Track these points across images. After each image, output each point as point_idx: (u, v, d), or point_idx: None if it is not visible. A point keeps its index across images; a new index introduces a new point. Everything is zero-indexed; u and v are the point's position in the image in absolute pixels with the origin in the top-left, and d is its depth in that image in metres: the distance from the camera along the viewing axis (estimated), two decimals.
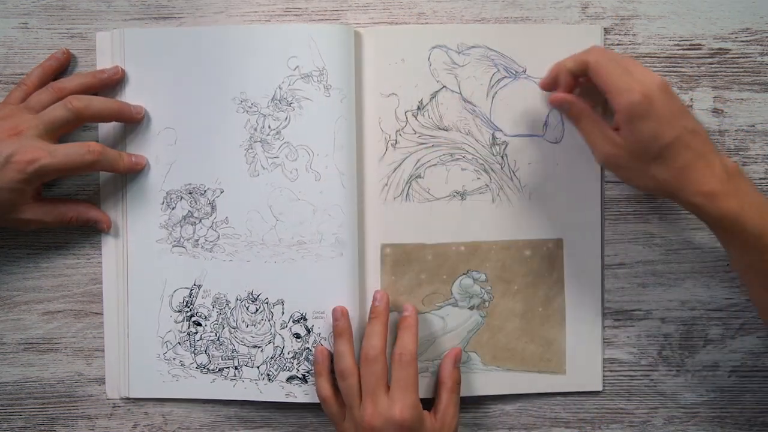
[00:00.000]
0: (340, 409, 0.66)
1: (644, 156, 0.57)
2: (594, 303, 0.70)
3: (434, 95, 0.68)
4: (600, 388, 0.70)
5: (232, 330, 0.69)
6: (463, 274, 0.69)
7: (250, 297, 0.68)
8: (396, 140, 0.69)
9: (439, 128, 0.69)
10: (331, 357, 0.67)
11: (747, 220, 0.57)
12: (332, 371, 0.67)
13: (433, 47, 0.68)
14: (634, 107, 0.56)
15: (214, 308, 0.69)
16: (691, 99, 0.69)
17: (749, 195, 0.58)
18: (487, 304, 0.69)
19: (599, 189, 0.69)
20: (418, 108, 0.68)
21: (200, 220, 0.68)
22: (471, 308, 0.69)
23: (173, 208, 0.69)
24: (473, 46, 0.68)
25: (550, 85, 0.64)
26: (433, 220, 0.69)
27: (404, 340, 0.65)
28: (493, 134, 0.69)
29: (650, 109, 0.56)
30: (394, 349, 0.65)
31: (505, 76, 0.68)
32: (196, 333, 0.69)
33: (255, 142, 0.67)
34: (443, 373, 0.68)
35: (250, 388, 0.69)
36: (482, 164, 0.69)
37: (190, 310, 0.69)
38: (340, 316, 0.66)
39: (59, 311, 0.71)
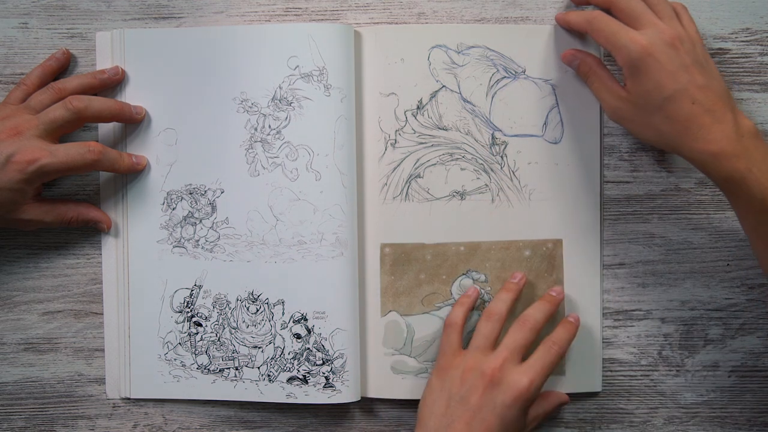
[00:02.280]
0: (459, 343, 0.66)
1: (647, 107, 0.59)
2: (593, 303, 0.69)
3: (434, 95, 0.68)
4: (599, 389, 0.70)
5: (233, 330, 0.69)
6: (463, 274, 0.69)
7: (251, 297, 0.68)
8: (395, 140, 0.69)
9: (439, 128, 0.69)
10: (476, 302, 0.68)
11: (753, 183, 0.57)
12: (469, 311, 0.67)
13: (433, 47, 0.68)
14: (634, 61, 0.58)
15: (215, 309, 0.69)
16: None
17: (760, 157, 0.57)
18: (486, 304, 0.69)
19: (599, 189, 0.69)
20: (418, 108, 0.68)
21: (201, 221, 0.68)
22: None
23: (174, 209, 0.69)
24: (473, 46, 0.68)
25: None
26: (433, 219, 0.69)
27: (563, 335, 0.65)
28: (492, 134, 0.69)
29: (651, 63, 0.58)
30: (541, 327, 0.65)
31: (505, 76, 0.68)
32: (197, 333, 0.69)
33: (255, 141, 0.67)
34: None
35: (250, 388, 0.69)
36: (482, 164, 0.69)
37: (191, 311, 0.69)
38: (520, 278, 0.68)
39: (59, 311, 0.71)
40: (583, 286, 0.69)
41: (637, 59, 0.58)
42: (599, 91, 0.64)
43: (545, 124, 0.69)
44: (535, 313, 0.65)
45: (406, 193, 0.69)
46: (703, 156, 0.57)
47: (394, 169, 0.69)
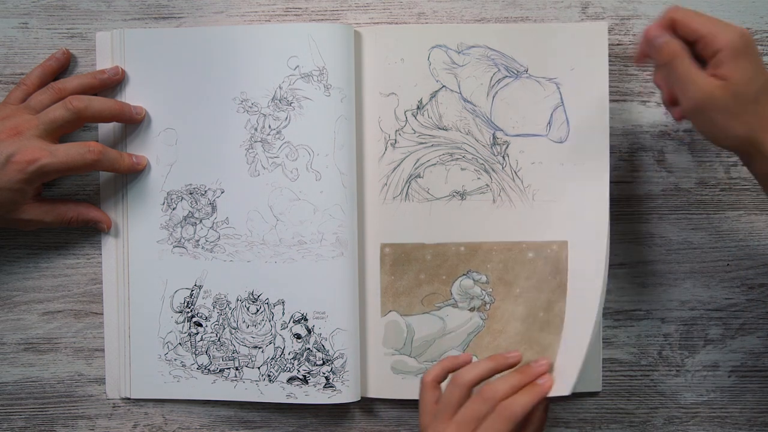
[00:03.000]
0: (433, 400, 0.63)
1: (747, 96, 0.55)
2: (596, 306, 0.67)
3: (434, 95, 0.68)
4: (599, 389, 0.70)
5: (233, 331, 0.69)
6: (464, 274, 0.69)
7: (251, 297, 0.68)
8: (395, 140, 0.69)
9: (439, 128, 0.68)
10: (461, 366, 0.64)
11: None
12: (449, 372, 0.64)
13: (433, 47, 0.68)
14: (737, 43, 0.55)
15: (215, 309, 0.69)
16: None
17: None
18: (488, 306, 0.69)
19: (607, 189, 0.67)
20: (418, 108, 0.68)
21: (201, 221, 0.68)
22: (471, 310, 0.69)
23: (174, 209, 0.69)
24: (473, 46, 0.68)
25: (643, 55, 0.60)
26: (433, 219, 0.69)
27: (521, 399, 0.61)
28: (493, 134, 0.68)
29: (753, 49, 0.56)
30: (500, 400, 0.61)
31: (506, 76, 0.68)
32: (197, 334, 0.69)
33: (255, 142, 0.67)
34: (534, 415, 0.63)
35: (250, 389, 0.69)
36: (482, 164, 0.69)
37: (191, 311, 0.69)
38: (515, 356, 0.65)
39: (59, 311, 0.71)
40: (586, 288, 0.67)
41: (742, 42, 0.55)
42: (688, 76, 0.56)
43: (549, 123, 0.68)
44: (498, 385, 0.61)
45: (406, 193, 0.69)
46: None
47: (394, 169, 0.69)
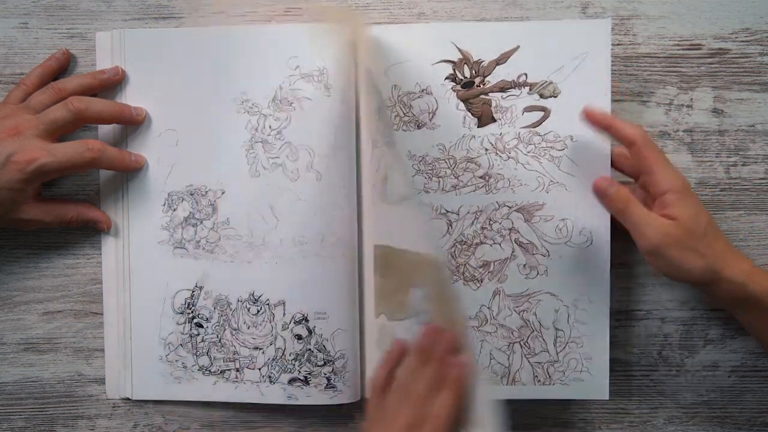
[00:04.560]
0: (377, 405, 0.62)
1: (697, 231, 0.61)
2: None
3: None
4: (606, 397, 0.68)
5: (234, 332, 0.69)
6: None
7: (252, 298, 0.68)
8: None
9: None
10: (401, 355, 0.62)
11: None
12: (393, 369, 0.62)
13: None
14: (681, 186, 0.61)
15: (216, 310, 0.69)
16: (691, 99, 0.69)
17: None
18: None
19: None
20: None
21: (201, 222, 0.68)
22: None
23: (174, 210, 0.69)
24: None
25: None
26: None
27: (440, 402, 0.58)
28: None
29: (690, 189, 0.62)
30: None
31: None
32: (198, 335, 0.69)
33: (256, 142, 0.67)
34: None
35: (251, 390, 0.69)
36: None
37: (192, 312, 0.69)
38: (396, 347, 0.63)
39: (59, 311, 0.71)
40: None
41: (685, 185, 0.62)
42: (645, 219, 0.61)
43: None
44: (418, 385, 0.59)
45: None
46: (744, 274, 0.61)
47: None
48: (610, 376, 0.67)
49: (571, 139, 0.67)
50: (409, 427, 0.58)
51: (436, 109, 0.68)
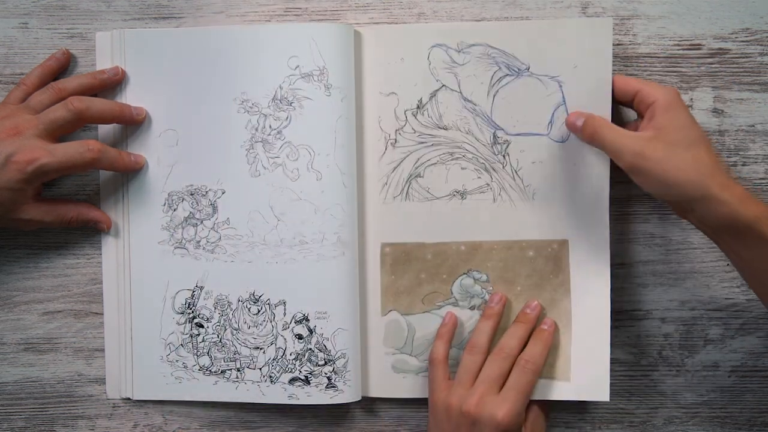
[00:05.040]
0: (445, 376, 0.66)
1: (680, 143, 0.58)
2: (601, 307, 0.68)
3: (434, 94, 0.68)
4: (607, 398, 0.68)
5: (234, 331, 0.69)
6: (464, 273, 0.69)
7: (252, 298, 0.68)
8: (395, 139, 0.68)
9: (439, 127, 0.68)
10: (455, 329, 0.68)
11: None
12: (450, 341, 0.68)
13: (433, 46, 0.68)
14: (669, 96, 0.60)
15: (216, 310, 0.69)
16: (691, 99, 0.69)
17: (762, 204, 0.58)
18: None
19: (607, 188, 0.67)
20: (418, 107, 0.68)
21: (202, 221, 0.68)
22: (472, 308, 0.69)
23: (175, 210, 0.69)
24: (473, 45, 0.68)
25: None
26: (433, 219, 0.69)
27: (536, 350, 0.65)
28: (494, 133, 0.68)
29: (680, 104, 0.60)
30: (516, 353, 0.65)
31: (507, 74, 0.68)
32: (199, 335, 0.69)
33: (256, 142, 0.67)
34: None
35: (252, 390, 0.69)
36: (483, 163, 0.68)
37: (192, 312, 0.69)
38: (498, 300, 0.68)
39: (59, 311, 0.71)
40: (590, 289, 0.68)
41: (672, 98, 0.60)
42: (619, 140, 0.60)
43: (551, 122, 0.68)
44: (510, 340, 0.65)
45: (407, 192, 0.69)
46: (735, 197, 0.56)
47: (395, 168, 0.69)
48: (610, 376, 0.67)
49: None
50: (500, 377, 0.64)
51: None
